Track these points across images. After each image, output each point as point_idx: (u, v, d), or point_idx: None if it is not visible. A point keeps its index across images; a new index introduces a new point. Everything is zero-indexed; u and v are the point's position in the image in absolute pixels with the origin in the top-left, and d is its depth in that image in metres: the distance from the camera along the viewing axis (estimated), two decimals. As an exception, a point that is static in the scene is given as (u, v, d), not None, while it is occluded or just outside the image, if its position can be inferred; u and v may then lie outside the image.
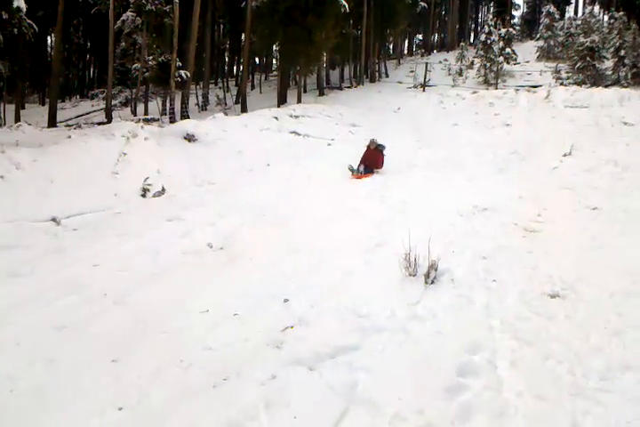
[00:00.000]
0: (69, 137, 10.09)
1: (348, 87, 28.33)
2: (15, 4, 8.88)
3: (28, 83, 33.80)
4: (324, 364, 3.56)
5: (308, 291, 5.05)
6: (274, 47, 28.83)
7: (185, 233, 6.81)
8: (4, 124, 20.72)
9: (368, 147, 11.64)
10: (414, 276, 5.05)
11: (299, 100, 21.77)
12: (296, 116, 17.11)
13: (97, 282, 5.24)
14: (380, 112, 20.25)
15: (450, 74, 29.53)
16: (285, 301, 4.88)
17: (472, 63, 30.42)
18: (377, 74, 30.70)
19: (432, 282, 4.95)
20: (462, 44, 34.62)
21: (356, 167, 11.06)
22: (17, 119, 20.36)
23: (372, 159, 11.35)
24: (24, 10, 9.21)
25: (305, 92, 25.45)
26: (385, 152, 11.63)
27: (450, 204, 8.17)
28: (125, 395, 3.36)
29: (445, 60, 33.36)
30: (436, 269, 5.00)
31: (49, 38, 36.52)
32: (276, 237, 6.82)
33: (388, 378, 3.35)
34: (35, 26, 20.61)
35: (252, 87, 32.80)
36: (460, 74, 29.24)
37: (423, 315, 4.31)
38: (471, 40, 46.93)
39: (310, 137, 15.23)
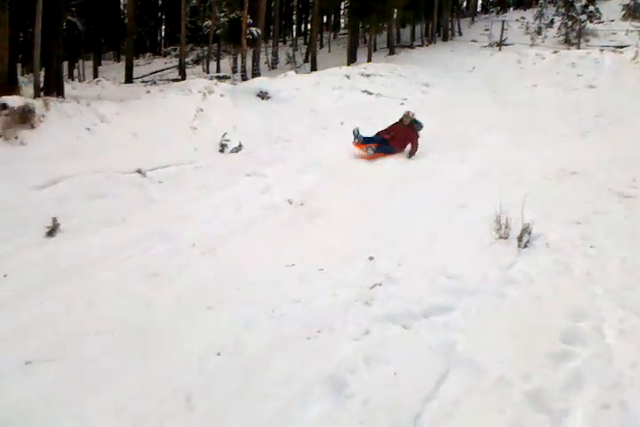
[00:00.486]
0: (148, 92, 10.23)
1: (420, 46, 27.33)
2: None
3: (103, 40, 34.41)
4: (418, 323, 3.48)
5: (392, 250, 4.96)
6: (342, 4, 28.11)
7: (264, 188, 6.85)
8: (84, 79, 21.34)
9: (401, 120, 9.21)
10: (505, 239, 4.85)
11: (369, 59, 21.22)
12: (368, 75, 16.70)
13: (184, 233, 5.34)
14: (454, 72, 19.48)
15: (528, 33, 27.87)
16: (370, 258, 4.81)
17: (552, 21, 28.59)
18: (450, 32, 29.41)
19: (525, 246, 4.73)
20: (541, 1, 32.53)
21: (364, 135, 8.78)
22: (95, 75, 20.90)
23: (402, 138, 8.90)
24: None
25: (375, 50, 24.73)
26: (421, 132, 9.23)
27: (535, 167, 7.78)
28: (222, 341, 3.42)
29: (523, 18, 31.47)
30: (529, 233, 4.77)
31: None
32: (354, 195, 6.73)
33: (487, 341, 3.24)
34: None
35: (321, 46, 32.18)
36: (539, 33, 27.54)
37: (518, 279, 4.14)
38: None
39: (382, 96, 14.88)
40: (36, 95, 8.63)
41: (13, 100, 6.95)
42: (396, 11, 22.95)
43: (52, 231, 4.93)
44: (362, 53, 23.90)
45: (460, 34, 30.19)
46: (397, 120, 9.23)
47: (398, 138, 8.85)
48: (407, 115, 9.21)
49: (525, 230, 4.76)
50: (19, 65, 14.32)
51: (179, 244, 5.04)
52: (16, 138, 6.69)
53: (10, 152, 6.39)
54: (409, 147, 8.83)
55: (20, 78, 12.81)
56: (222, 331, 3.55)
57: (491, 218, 5.05)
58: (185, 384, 2.94)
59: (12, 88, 9.28)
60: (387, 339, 3.29)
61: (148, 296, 4.01)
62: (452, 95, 15.37)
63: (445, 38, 28.38)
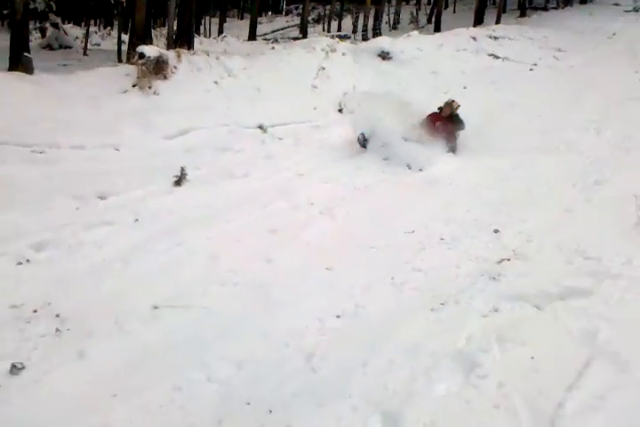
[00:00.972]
0: (273, 48, 10.24)
1: (555, 8, 25.32)
2: None
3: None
4: (553, 305, 3.22)
5: (520, 224, 4.65)
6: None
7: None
8: (209, 35, 21.91)
9: (440, 110, 7.08)
10: (654, 221, 4.38)
11: (497, 21, 19.97)
12: (495, 38, 15.71)
13: (302, 191, 5.32)
14: (591, 37, 17.87)
15: (683, -6, 24.93)
16: (496, 231, 4.55)
17: None
18: (589, -6, 26.94)
19: (675, 229, 4.26)
20: None
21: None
22: (220, 32, 21.34)
23: (442, 133, 6.76)
24: None
25: (504, 12, 23.19)
26: (462, 131, 7.06)
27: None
28: (341, 304, 3.36)
29: (678, -22, 28.11)
30: (681, 215, 4.28)
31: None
32: (478, 164, 6.39)
33: (634, 332, 2.94)
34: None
35: (446, 6, 30.67)
36: (697, -5, 24.53)
37: (670, 265, 3.72)
38: None
39: (510, 60, 13.97)
40: (169, 47, 8.90)
41: (150, 50, 7.19)
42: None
43: (179, 181, 5.08)
44: (489, 15, 22.53)
45: (602, -5, 27.58)
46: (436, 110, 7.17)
47: (438, 134, 6.75)
48: (450, 103, 7.10)
49: (677, 212, 4.27)
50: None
51: (298, 201, 5.03)
52: (149, 88, 6.94)
53: (144, 101, 6.66)
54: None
55: (153, 31, 13.36)
56: (342, 293, 3.49)
57: (633, 197, 4.58)
58: (305, 344, 2.92)
59: (147, 38, 9.66)
60: (519, 319, 3.07)
61: (268, 252, 4.03)
62: (588, 62, 14.14)
63: (584, 1, 26.05)
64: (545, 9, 24.87)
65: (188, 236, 4.21)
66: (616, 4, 24.77)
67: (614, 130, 7.91)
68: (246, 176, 5.50)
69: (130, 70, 6.99)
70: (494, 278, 3.65)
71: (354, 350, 2.85)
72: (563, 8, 25.28)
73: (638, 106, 9.46)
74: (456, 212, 4.99)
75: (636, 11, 22.67)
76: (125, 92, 6.70)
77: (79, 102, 6.15)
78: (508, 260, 3.95)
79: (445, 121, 6.97)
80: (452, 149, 6.86)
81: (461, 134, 7.07)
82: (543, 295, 3.32)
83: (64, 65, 9.60)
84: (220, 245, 4.12)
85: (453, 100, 7.17)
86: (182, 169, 5.11)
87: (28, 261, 3.55)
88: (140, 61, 7.05)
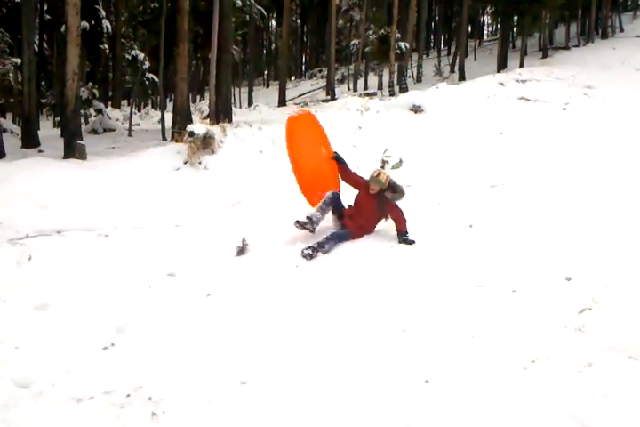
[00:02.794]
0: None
1: (576, 46, 25.61)
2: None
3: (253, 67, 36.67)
4: (647, 353, 3.09)
5: (592, 269, 4.53)
6: (488, 10, 27.24)
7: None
8: (240, 105, 22.84)
9: (366, 183, 5.70)
10: None
11: (521, 64, 20.32)
12: (523, 81, 15.92)
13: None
14: (618, 71, 17.96)
15: None
16: (568, 279, 4.43)
17: None
18: (609, 29, 27.23)
19: None
20: None
21: (314, 212, 5.60)
22: (250, 101, 22.24)
23: (365, 212, 5.62)
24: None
25: (526, 54, 23.58)
26: (400, 205, 5.68)
27: None
28: (429, 368, 3.29)
29: (697, 5, 28.32)
30: None
31: (270, 23, 39.10)
32: (530, 210, 6.33)
33: None
34: (263, 11, 22.20)
35: (466, 54, 31.49)
36: None
37: None
38: None
39: (541, 102, 14.02)
40: (212, 122, 9.32)
41: (198, 128, 7.55)
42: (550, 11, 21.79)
43: (242, 251, 5.19)
44: (512, 59, 22.94)
45: (622, 30, 27.87)
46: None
47: (361, 211, 5.65)
48: (377, 177, 5.58)
49: None
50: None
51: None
52: (200, 163, 7.23)
53: (196, 176, 6.94)
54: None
55: (192, 106, 14.05)
56: (417, 355, 3.42)
57: None
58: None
59: (189, 117, 10.14)
60: (618, 373, 2.95)
61: (332, 314, 4.01)
62: (620, 96, 14.14)
63: (605, 36, 26.35)
64: (566, 48, 25.18)
65: (257, 305, 4.24)
66: (638, 37, 24.93)
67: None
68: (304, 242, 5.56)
69: (180, 148, 7.33)
70: (579, 330, 3.53)
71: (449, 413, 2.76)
72: (585, 45, 25.56)
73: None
74: (523, 258, 4.91)
75: (660, 41, 22.74)
76: (178, 169, 7.01)
77: (136, 183, 6.43)
78: (590, 309, 3.82)
79: (371, 199, 5.62)
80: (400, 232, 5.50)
81: None
82: (635, 345, 3.19)
83: (112, 147, 10.10)
84: (287, 313, 4.13)
85: (380, 172, 5.69)
86: (243, 240, 5.23)
87: (112, 345, 3.63)
88: (189, 139, 7.38)
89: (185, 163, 7.14)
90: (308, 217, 5.44)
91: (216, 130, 7.87)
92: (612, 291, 4.08)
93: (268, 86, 35.61)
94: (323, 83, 24.44)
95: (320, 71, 33.20)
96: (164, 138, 10.52)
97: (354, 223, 5.58)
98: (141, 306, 4.14)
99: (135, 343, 3.67)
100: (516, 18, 20.06)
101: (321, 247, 5.17)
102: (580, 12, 27.79)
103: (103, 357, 3.51)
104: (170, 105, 16.51)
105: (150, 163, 6.96)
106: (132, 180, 6.49)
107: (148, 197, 6.24)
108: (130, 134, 12.65)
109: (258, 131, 8.31)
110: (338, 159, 6.07)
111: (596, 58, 20.62)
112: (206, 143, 7.55)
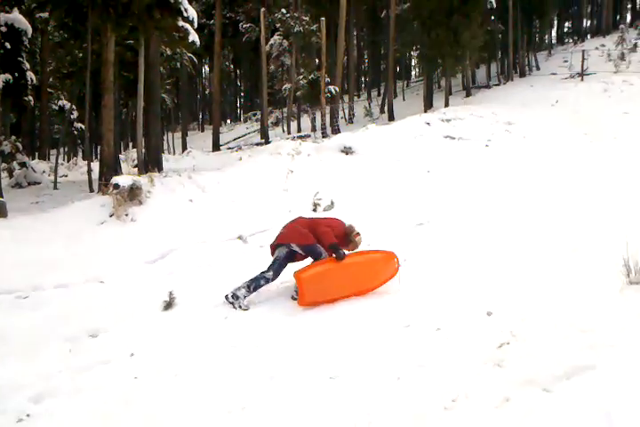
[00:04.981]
0: (240, 159, 10.66)
1: (497, 85, 27.06)
2: (190, 39, 9.62)
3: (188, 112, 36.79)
4: (561, 385, 3.20)
5: (511, 303, 4.70)
6: (414, 53, 28.58)
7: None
8: (174, 151, 22.76)
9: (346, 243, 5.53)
10: (638, 284, 4.47)
11: (446, 104, 21.26)
12: (447, 120, 16.62)
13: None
14: (536, 107, 19.00)
15: (610, 60, 26.98)
16: (489, 314, 4.58)
17: (635, 46, 27.66)
18: (527, 68, 29.02)
19: (660, 290, 4.35)
20: (622, 25, 31.58)
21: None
22: (184, 146, 22.20)
23: (293, 233, 5.42)
24: (197, 44, 9.97)
25: (450, 94, 24.74)
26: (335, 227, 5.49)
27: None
28: (354, 416, 3.28)
29: (602, 45, 30.60)
30: (663, 276, 4.39)
31: (203, 68, 39.58)
32: (455, 246, 6.54)
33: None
34: (194, 58, 22.51)
35: (395, 95, 32.72)
36: (623, 58, 26.55)
37: (663, 329, 3.76)
38: (627, 21, 42.76)
39: (465, 140, 14.67)
40: (140, 172, 9.23)
41: (124, 180, 7.44)
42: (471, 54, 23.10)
43: (168, 305, 5.08)
44: (437, 98, 23.97)
45: (538, 68, 29.72)
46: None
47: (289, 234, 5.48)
48: (359, 241, 5.64)
49: (659, 273, 4.38)
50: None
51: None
52: (126, 215, 7.11)
53: (122, 229, 6.79)
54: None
55: (121, 156, 13.86)
56: (350, 401, 3.42)
57: (612, 261, 4.72)
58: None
59: (116, 166, 10.01)
60: (534, 407, 3.03)
61: (269, 369, 3.96)
62: (539, 131, 15.00)
63: (523, 74, 28.00)
64: (488, 86, 26.57)
65: (186, 363, 4.14)
66: (553, 74, 26.61)
67: (579, 193, 8.27)
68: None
69: (105, 201, 7.19)
70: (499, 365, 3.63)
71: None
72: (505, 83, 27.01)
73: (597, 168, 9.98)
74: (446, 298, 5.04)
75: (573, 77, 24.34)
76: (103, 223, 6.86)
77: (58, 240, 6.26)
78: (508, 343, 3.94)
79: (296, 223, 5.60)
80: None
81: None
82: (550, 377, 3.30)
83: (37, 202, 9.80)
84: (220, 368, 4.06)
85: (358, 234, 5.61)
86: (170, 293, 5.13)
87: (28, 416, 3.44)
88: (115, 191, 7.27)
89: (110, 216, 7.00)
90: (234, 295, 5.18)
91: (143, 180, 7.78)
92: (530, 324, 4.24)
93: (202, 131, 35.76)
94: (257, 126, 24.83)
95: (255, 115, 33.69)
96: (91, 190, 10.33)
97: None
98: (59, 373, 3.96)
99: (52, 414, 3.50)
100: (439, 60, 21.07)
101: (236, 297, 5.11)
102: (499, 52, 29.54)
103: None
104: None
105: (74, 218, 6.78)
106: (55, 237, 6.30)
107: (72, 253, 6.05)
108: (55, 187, 12.28)
109: (187, 180, 8.29)
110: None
111: (516, 95, 21.79)
112: (133, 194, 7.45)
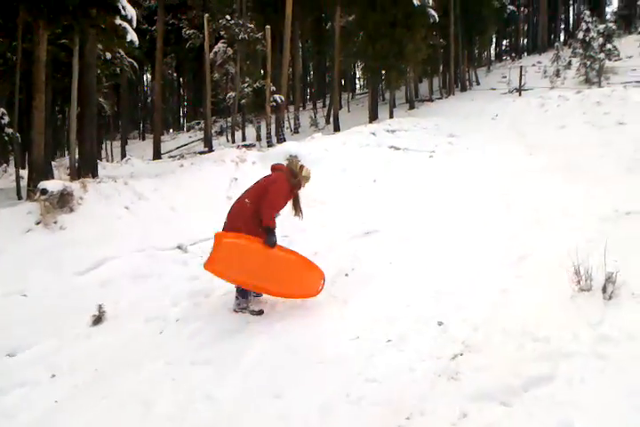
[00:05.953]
0: (182, 166, 10.24)
1: (439, 98, 27.64)
2: (129, 38, 9.14)
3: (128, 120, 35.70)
4: (519, 398, 3.04)
5: (462, 312, 4.56)
6: (359, 64, 28.82)
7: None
8: (112, 159, 21.92)
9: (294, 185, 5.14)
10: (588, 291, 4.41)
11: (390, 116, 21.47)
12: (392, 131, 16.74)
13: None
14: (477, 120, 19.44)
15: (546, 76, 28.11)
16: (440, 324, 4.42)
17: (569, 63, 28.94)
18: (467, 82, 29.82)
19: (610, 297, 4.30)
20: (557, 44, 33.02)
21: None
22: (123, 154, 21.42)
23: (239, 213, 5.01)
24: (136, 44, 9.48)
25: (394, 106, 25.02)
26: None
27: (588, 209, 7.42)
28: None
29: (539, 62, 31.90)
30: (613, 283, 4.34)
31: (144, 76, 38.61)
32: (403, 256, 6.40)
33: (606, 416, 2.78)
34: (135, 64, 21.81)
35: (340, 106, 32.88)
36: (558, 75, 27.70)
37: (615, 336, 3.67)
38: (561, 40, 44.88)
39: (410, 150, 14.72)
40: (73, 178, 8.67)
41: (53, 185, 6.90)
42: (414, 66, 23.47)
43: (97, 320, 4.65)
44: (382, 110, 24.18)
45: (478, 83, 30.60)
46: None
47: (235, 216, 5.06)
48: (306, 173, 5.29)
49: (609, 280, 4.32)
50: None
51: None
52: (55, 223, 6.58)
53: (50, 238, 6.26)
54: None
55: (53, 163, 13.10)
56: (297, 422, 3.15)
57: (561, 267, 4.66)
58: None
59: (47, 172, 9.40)
60: (492, 422, 2.85)
61: (206, 388, 3.64)
62: (480, 143, 15.25)
63: (464, 88, 28.73)
64: (430, 100, 27.08)
65: (116, 383, 3.76)
66: (493, 89, 27.42)
67: (523, 202, 8.34)
68: (173, 305, 5.13)
69: (31, 208, 6.64)
70: (453, 378, 3.46)
71: None
72: (447, 97, 27.62)
73: (538, 181, 10.13)
74: (395, 308, 4.85)
75: (511, 92, 25.14)
76: (28, 231, 6.30)
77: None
78: (461, 354, 3.78)
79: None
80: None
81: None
82: (507, 389, 3.15)
83: (-44, 213, 9.02)
84: (153, 387, 3.70)
85: (302, 166, 5.38)
86: (100, 307, 4.71)
87: None
88: (43, 197, 6.74)
89: (37, 224, 6.46)
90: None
91: (75, 186, 7.25)
92: (482, 334, 4.09)
93: (143, 139, 34.78)
94: (201, 135, 24.29)
95: (198, 124, 33.06)
96: (19, 197, 9.64)
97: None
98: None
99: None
100: (383, 72, 21.29)
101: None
102: (441, 67, 30.22)
103: None
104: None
105: (-5, 226, 6.24)
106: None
107: (-9, 264, 5.52)
108: (-22, 195, 11.45)
109: (123, 186, 7.81)
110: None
111: (458, 108, 22.25)
112: (64, 201, 6.92)
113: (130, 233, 6.82)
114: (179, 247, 6.88)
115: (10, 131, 13.47)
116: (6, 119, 13.43)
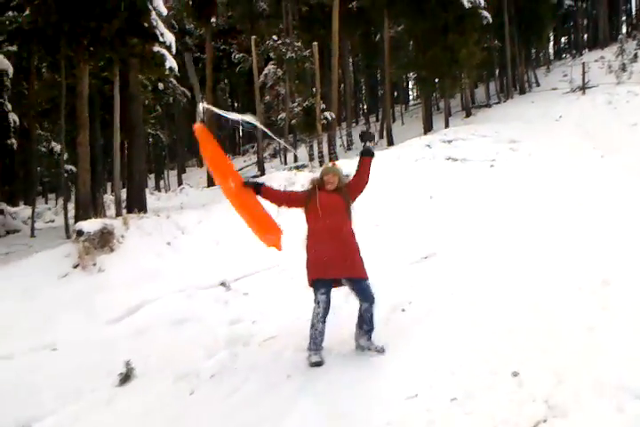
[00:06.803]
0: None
1: (497, 103, 26.56)
2: (167, 65, 8.94)
3: (186, 148, 36.34)
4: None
5: (541, 358, 3.81)
6: (411, 75, 28.17)
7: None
8: (169, 188, 22.12)
9: (319, 179, 4.50)
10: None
11: (446, 125, 20.67)
12: (449, 141, 16.02)
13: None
14: (540, 123, 18.42)
15: (611, 71, 26.51)
16: (515, 374, 3.68)
17: (635, 56, 27.23)
18: (526, 84, 28.52)
19: None
20: (620, 36, 31.20)
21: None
22: (179, 183, 21.58)
23: (333, 209, 4.43)
24: (176, 70, 9.28)
25: (450, 115, 24.14)
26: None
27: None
28: None
29: (602, 57, 30.19)
30: None
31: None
32: (466, 284, 5.67)
33: None
34: (187, 92, 22.06)
35: (394, 120, 32.18)
36: (624, 69, 26.07)
37: None
38: (623, 32, 42.50)
39: (468, 161, 13.90)
40: (118, 213, 8.46)
41: (90, 225, 6.65)
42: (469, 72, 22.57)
43: (125, 379, 4.21)
44: (437, 120, 23.40)
45: (538, 84, 29.26)
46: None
47: (329, 212, 4.46)
48: (333, 167, 4.59)
49: None
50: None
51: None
52: (94, 265, 6.31)
53: (87, 282, 5.97)
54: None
55: (106, 196, 13.12)
56: None
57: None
58: None
59: (95, 208, 9.27)
60: None
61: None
62: (545, 147, 14.28)
63: (523, 91, 27.51)
64: (488, 105, 26.02)
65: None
66: (554, 89, 26.07)
67: (597, 215, 7.44)
68: (207, 357, 4.63)
69: (70, 250, 6.39)
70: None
71: None
72: (505, 101, 26.50)
73: (609, 182, 9.17)
74: (460, 357, 4.15)
75: (574, 91, 23.73)
76: (66, 275, 6.04)
77: (9, 298, 5.44)
78: (545, 421, 3.06)
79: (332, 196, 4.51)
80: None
81: None
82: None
83: (6, 253, 8.99)
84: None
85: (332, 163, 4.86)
86: (127, 363, 4.26)
87: None
88: (81, 238, 6.49)
89: (75, 267, 6.20)
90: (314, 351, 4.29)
91: (116, 223, 7.00)
92: (568, 389, 3.35)
93: (201, 166, 35.26)
94: (255, 159, 24.18)
95: (252, 147, 33.19)
96: (67, 236, 9.55)
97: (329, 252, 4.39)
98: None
99: None
100: (436, 80, 20.60)
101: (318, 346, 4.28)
102: (497, 70, 29.11)
103: None
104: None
105: (31, 271, 5.98)
106: (5, 295, 5.48)
107: (22, 314, 5.23)
108: (32, 235, 11.43)
109: (165, 220, 7.49)
110: (251, 184, 4.64)
111: (517, 112, 21.19)
112: (104, 240, 6.65)
113: (170, 272, 6.46)
114: (222, 284, 6.45)
115: (70, 167, 13.66)
116: (65, 156, 13.63)
